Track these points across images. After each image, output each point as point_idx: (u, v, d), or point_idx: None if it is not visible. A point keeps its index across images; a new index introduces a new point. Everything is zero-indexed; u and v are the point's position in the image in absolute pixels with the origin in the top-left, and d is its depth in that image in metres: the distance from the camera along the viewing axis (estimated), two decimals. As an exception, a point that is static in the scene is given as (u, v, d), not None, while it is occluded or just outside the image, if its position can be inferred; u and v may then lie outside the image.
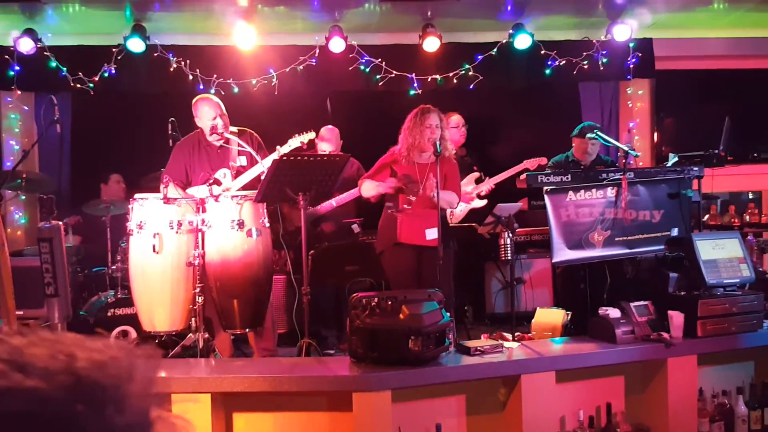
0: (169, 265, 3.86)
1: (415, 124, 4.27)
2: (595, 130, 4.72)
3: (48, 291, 3.16)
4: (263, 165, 4.06)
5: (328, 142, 5.39)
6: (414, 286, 4.10)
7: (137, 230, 3.87)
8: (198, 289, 3.81)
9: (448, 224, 4.61)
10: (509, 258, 4.19)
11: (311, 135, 4.59)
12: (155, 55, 6.31)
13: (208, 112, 4.38)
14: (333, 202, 5.18)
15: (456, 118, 5.54)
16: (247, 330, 4.10)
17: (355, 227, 5.35)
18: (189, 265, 3.83)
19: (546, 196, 3.95)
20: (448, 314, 3.40)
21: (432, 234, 4.13)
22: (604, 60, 6.72)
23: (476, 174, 5.55)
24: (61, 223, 3.26)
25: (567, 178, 3.98)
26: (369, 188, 4.37)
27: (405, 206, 4.22)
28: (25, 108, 6.56)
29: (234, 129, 4.47)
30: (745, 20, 6.74)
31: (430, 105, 4.37)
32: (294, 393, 3.20)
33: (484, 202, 5.51)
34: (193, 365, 3.54)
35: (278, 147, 4.34)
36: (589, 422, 3.44)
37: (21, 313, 4.24)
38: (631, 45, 6.73)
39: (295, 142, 4.44)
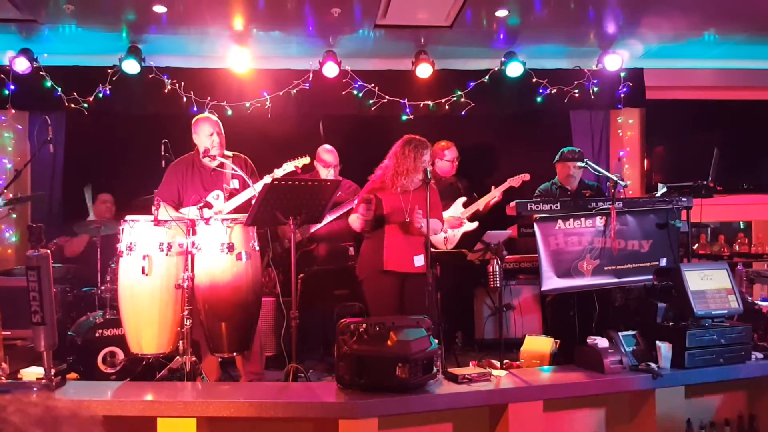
0: (158, 287, 3.84)
1: (406, 155, 4.27)
2: (585, 160, 4.76)
3: (35, 319, 3.13)
4: (255, 189, 4.08)
5: (330, 165, 5.40)
6: (394, 314, 4.09)
7: (127, 252, 3.86)
8: (186, 312, 3.79)
9: (431, 249, 4.60)
10: (498, 285, 4.20)
11: (306, 160, 4.63)
12: (150, 76, 6.34)
13: (206, 129, 4.44)
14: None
15: (451, 152, 5.56)
16: (235, 354, 4.08)
17: (351, 250, 5.36)
18: (178, 287, 3.81)
19: (535, 224, 3.98)
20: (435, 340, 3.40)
21: (419, 261, 4.16)
22: (595, 89, 6.81)
23: (464, 198, 5.58)
24: (49, 251, 3.24)
25: (556, 207, 4.01)
26: (353, 220, 4.41)
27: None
28: (19, 127, 6.56)
29: (228, 153, 4.51)
30: (736, 52, 6.83)
31: (419, 135, 4.38)
32: (280, 419, 3.18)
33: (476, 224, 5.52)
34: (180, 389, 3.52)
35: (275, 170, 4.40)
36: (576, 452, 3.43)
37: (9, 333, 4.21)
38: (622, 74, 6.83)
39: (289, 166, 4.50)
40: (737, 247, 6.74)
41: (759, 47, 6.70)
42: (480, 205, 5.60)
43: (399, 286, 4.12)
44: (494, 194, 5.62)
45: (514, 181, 5.66)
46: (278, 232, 5.14)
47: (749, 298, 4.36)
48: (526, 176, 5.69)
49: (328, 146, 5.52)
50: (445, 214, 5.05)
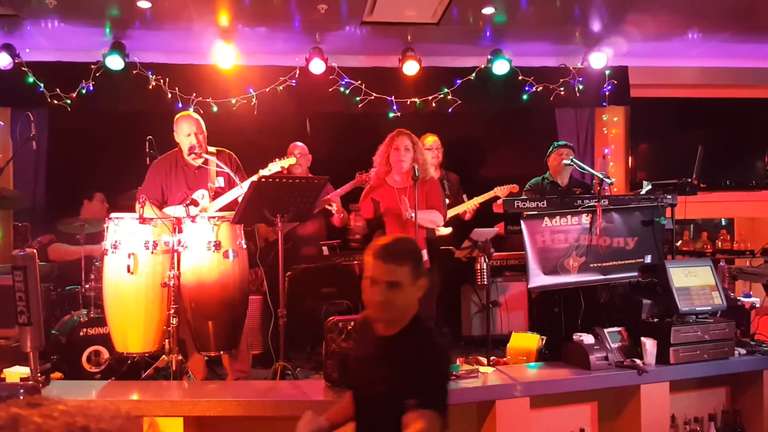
0: (143, 286, 3.82)
1: (386, 148, 4.34)
2: (571, 157, 4.78)
3: (21, 320, 3.09)
4: (242, 187, 4.04)
5: (303, 162, 5.38)
6: None
7: (112, 250, 3.83)
8: (172, 311, 3.77)
9: (437, 245, 4.60)
10: (485, 282, 4.21)
11: (292, 160, 4.61)
12: (134, 72, 6.28)
13: (184, 129, 4.37)
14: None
15: (431, 140, 5.55)
16: (222, 352, 4.06)
17: (324, 249, 5.31)
18: (164, 285, 3.79)
19: (522, 222, 3.99)
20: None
21: None
22: (581, 87, 6.84)
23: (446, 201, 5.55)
24: (35, 251, 3.20)
25: (543, 204, 4.03)
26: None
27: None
28: (1, 123, 6.48)
29: (212, 149, 4.46)
30: (719, 50, 6.88)
31: (404, 128, 4.41)
32: (268, 417, 3.17)
33: (449, 230, 5.49)
34: (166, 388, 3.50)
35: (260, 171, 4.35)
36: (563, 448, 3.45)
37: (-8, 332, 4.17)
38: (607, 72, 6.86)
39: (275, 167, 4.45)
40: (720, 243, 6.79)
41: (742, 46, 6.76)
42: (460, 209, 5.55)
43: None
44: (476, 202, 5.56)
45: (501, 191, 5.56)
46: (253, 231, 5.10)
47: (732, 294, 4.40)
48: (515, 187, 5.58)
49: (299, 143, 5.52)
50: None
